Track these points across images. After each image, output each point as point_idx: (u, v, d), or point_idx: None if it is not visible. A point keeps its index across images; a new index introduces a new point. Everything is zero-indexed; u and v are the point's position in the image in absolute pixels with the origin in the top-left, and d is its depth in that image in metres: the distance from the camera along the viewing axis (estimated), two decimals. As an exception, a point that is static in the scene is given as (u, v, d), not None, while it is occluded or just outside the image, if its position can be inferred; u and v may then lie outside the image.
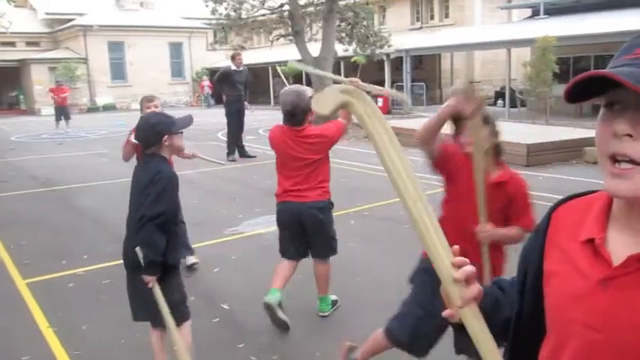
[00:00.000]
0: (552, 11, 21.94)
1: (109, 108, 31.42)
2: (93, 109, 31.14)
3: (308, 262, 4.10)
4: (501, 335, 1.08)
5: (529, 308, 1.06)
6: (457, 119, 2.50)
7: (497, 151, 2.57)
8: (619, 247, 0.91)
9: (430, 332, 2.70)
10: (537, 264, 1.05)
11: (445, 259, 0.97)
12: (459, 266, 0.96)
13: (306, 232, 3.91)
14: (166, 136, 2.98)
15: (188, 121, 3.13)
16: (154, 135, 2.98)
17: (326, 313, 4.10)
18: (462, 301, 0.95)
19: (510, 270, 1.19)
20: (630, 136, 0.82)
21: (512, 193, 2.56)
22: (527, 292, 1.07)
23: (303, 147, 3.75)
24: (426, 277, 2.65)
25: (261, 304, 3.78)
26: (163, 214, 2.83)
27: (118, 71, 33.00)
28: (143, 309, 3.03)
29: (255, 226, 6.58)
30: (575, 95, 0.87)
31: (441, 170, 2.66)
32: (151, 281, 2.85)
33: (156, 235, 2.82)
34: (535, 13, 23.47)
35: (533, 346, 1.05)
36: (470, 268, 0.96)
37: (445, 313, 1.00)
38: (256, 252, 5.68)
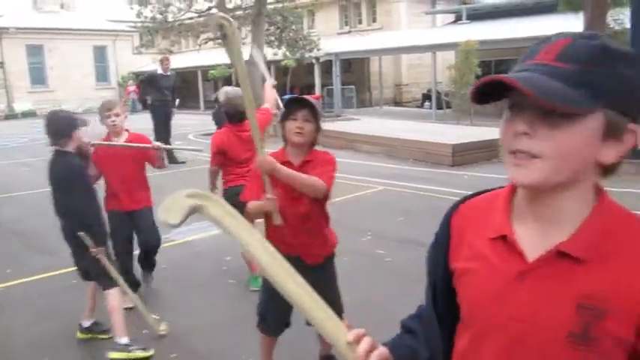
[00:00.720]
0: (474, 16, 22.83)
1: (28, 114, 29.83)
2: (11, 115, 29.49)
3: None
4: None
5: (444, 310, 1.11)
6: None
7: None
8: (527, 239, 0.97)
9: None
10: (444, 265, 1.10)
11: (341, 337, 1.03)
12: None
13: None
14: (75, 131, 3.46)
15: (85, 120, 3.64)
16: (65, 129, 3.46)
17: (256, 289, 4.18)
18: None
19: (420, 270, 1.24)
20: (527, 134, 0.90)
21: (317, 165, 2.80)
22: (440, 296, 1.12)
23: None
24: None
25: (192, 312, 3.72)
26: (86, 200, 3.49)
27: (37, 76, 31.47)
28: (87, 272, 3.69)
29: (186, 233, 6.45)
30: (483, 97, 0.94)
31: None
32: (99, 252, 3.47)
33: (89, 216, 3.47)
34: (458, 18, 24.36)
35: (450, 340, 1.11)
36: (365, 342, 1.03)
37: None
38: (187, 259, 5.58)
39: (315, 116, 2.80)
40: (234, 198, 3.46)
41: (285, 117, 2.83)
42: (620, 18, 11.40)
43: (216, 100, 6.63)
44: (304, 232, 2.85)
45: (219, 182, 4.51)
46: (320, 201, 2.84)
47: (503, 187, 1.07)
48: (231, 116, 4.40)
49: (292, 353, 3.48)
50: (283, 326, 3.13)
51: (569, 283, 0.91)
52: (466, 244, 1.07)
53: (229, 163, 4.40)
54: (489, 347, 0.99)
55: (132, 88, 30.41)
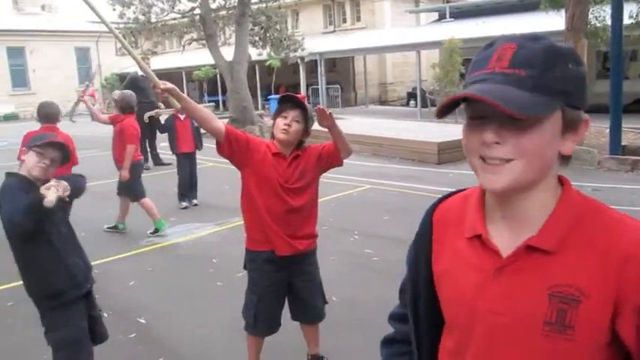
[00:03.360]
0: (457, 15, 22.93)
1: (10, 117, 29.46)
2: (-8, 119, 29.16)
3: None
4: None
5: (425, 310, 1.15)
6: None
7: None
8: (500, 237, 1.01)
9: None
10: (426, 266, 1.14)
11: None
12: None
13: None
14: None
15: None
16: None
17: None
18: None
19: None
20: (498, 143, 0.94)
21: (313, 152, 3.00)
22: (422, 294, 1.15)
23: None
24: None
25: (179, 316, 3.68)
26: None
27: (19, 78, 31.04)
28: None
29: (171, 235, 6.42)
30: (444, 111, 0.99)
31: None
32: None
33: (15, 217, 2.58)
34: (441, 17, 24.44)
35: (435, 339, 1.14)
36: None
37: None
38: (173, 262, 5.54)
39: (305, 119, 2.88)
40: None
41: (277, 113, 2.92)
42: (601, 15, 11.48)
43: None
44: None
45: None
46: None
47: (474, 186, 1.11)
48: (123, 109, 6.44)
49: (280, 354, 3.46)
50: (276, 326, 3.14)
51: (540, 275, 0.95)
52: (447, 244, 1.10)
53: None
54: (473, 342, 1.03)
55: (89, 91, 28.13)
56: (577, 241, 0.94)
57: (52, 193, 2.44)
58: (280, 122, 2.86)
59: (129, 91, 6.82)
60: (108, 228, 6.58)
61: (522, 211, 0.99)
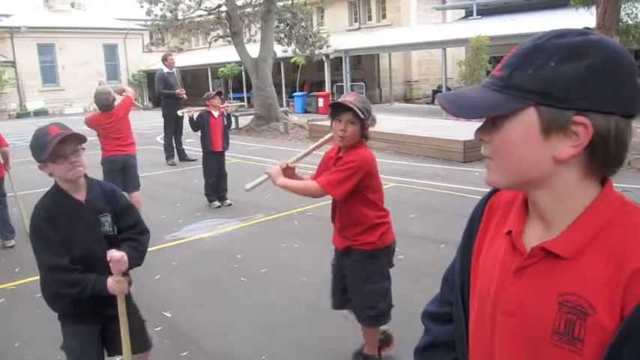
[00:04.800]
0: (484, 12, 22.66)
1: (40, 113, 30.07)
2: (23, 114, 29.69)
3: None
4: None
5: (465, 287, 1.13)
6: None
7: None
8: (532, 237, 0.98)
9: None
10: (469, 246, 1.13)
11: None
12: None
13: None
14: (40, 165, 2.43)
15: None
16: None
17: None
18: None
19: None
20: (484, 140, 0.98)
21: (338, 163, 2.99)
22: (464, 270, 1.14)
23: None
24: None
25: (203, 310, 3.70)
26: None
27: (48, 74, 31.64)
28: None
29: (196, 230, 6.47)
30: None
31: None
32: None
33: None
34: (468, 14, 24.18)
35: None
36: None
37: None
38: (198, 257, 5.57)
39: (358, 117, 2.88)
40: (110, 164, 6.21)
41: (332, 117, 2.98)
42: (633, 12, 11.23)
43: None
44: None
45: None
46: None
47: None
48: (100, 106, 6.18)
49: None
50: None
51: (553, 281, 0.91)
52: (489, 234, 1.09)
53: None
54: (483, 337, 1.03)
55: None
56: (599, 249, 0.89)
57: (120, 285, 2.39)
58: (336, 127, 2.92)
59: (102, 88, 6.42)
60: None
61: (544, 212, 0.96)
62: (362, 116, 2.86)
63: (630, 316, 0.83)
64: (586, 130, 0.87)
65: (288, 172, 2.94)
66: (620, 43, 0.91)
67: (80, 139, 2.42)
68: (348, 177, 2.88)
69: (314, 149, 3.02)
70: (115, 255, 2.34)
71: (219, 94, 7.78)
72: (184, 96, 11.16)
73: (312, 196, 3.00)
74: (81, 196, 2.50)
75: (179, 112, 8.92)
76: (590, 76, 0.86)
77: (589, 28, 0.92)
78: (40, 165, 2.42)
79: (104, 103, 6.16)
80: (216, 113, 7.41)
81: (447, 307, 1.19)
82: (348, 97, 2.93)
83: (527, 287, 0.94)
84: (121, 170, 6.34)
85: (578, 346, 0.87)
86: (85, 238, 2.46)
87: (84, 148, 2.46)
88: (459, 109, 0.93)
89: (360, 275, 3.12)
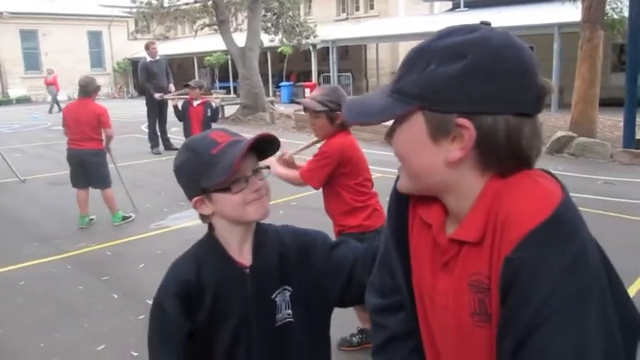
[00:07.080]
0: (472, 4, 22.70)
1: (22, 100, 29.66)
2: (5, 101, 29.23)
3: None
4: None
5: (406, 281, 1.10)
6: None
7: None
8: (450, 230, 0.98)
9: None
10: (404, 234, 1.09)
11: None
12: None
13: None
14: None
15: None
16: None
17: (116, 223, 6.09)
18: None
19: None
20: (390, 145, 0.99)
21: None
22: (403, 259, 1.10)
23: None
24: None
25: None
26: None
27: (31, 61, 31.18)
28: None
29: (180, 219, 6.44)
30: None
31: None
32: None
33: None
34: (456, 6, 24.22)
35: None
36: None
37: None
38: (182, 246, 5.49)
39: (318, 113, 2.96)
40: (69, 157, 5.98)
41: None
42: (618, 6, 11.31)
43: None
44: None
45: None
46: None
47: None
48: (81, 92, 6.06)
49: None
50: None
51: (463, 266, 0.93)
52: (418, 222, 1.05)
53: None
54: (424, 330, 1.05)
55: (50, 78, 24.33)
56: (491, 226, 0.87)
57: None
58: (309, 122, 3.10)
59: (85, 77, 6.29)
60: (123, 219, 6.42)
61: (452, 210, 0.96)
62: (318, 109, 2.91)
63: (501, 274, 0.84)
64: (468, 132, 0.85)
65: (285, 162, 3.10)
66: (516, 38, 0.87)
67: (272, 145, 1.36)
68: (322, 166, 3.00)
69: (305, 148, 3.25)
70: None
71: (200, 87, 7.89)
72: (172, 91, 11.08)
73: (299, 185, 3.13)
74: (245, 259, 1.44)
75: (156, 96, 8.81)
76: (465, 77, 0.84)
77: (485, 23, 0.90)
78: (197, 199, 1.41)
79: (84, 87, 5.97)
80: (195, 103, 7.46)
81: (393, 296, 1.13)
82: (312, 93, 3.04)
83: (451, 279, 0.95)
84: (79, 165, 6.00)
85: (492, 321, 0.88)
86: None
87: (268, 167, 1.41)
88: (350, 114, 0.94)
89: None
